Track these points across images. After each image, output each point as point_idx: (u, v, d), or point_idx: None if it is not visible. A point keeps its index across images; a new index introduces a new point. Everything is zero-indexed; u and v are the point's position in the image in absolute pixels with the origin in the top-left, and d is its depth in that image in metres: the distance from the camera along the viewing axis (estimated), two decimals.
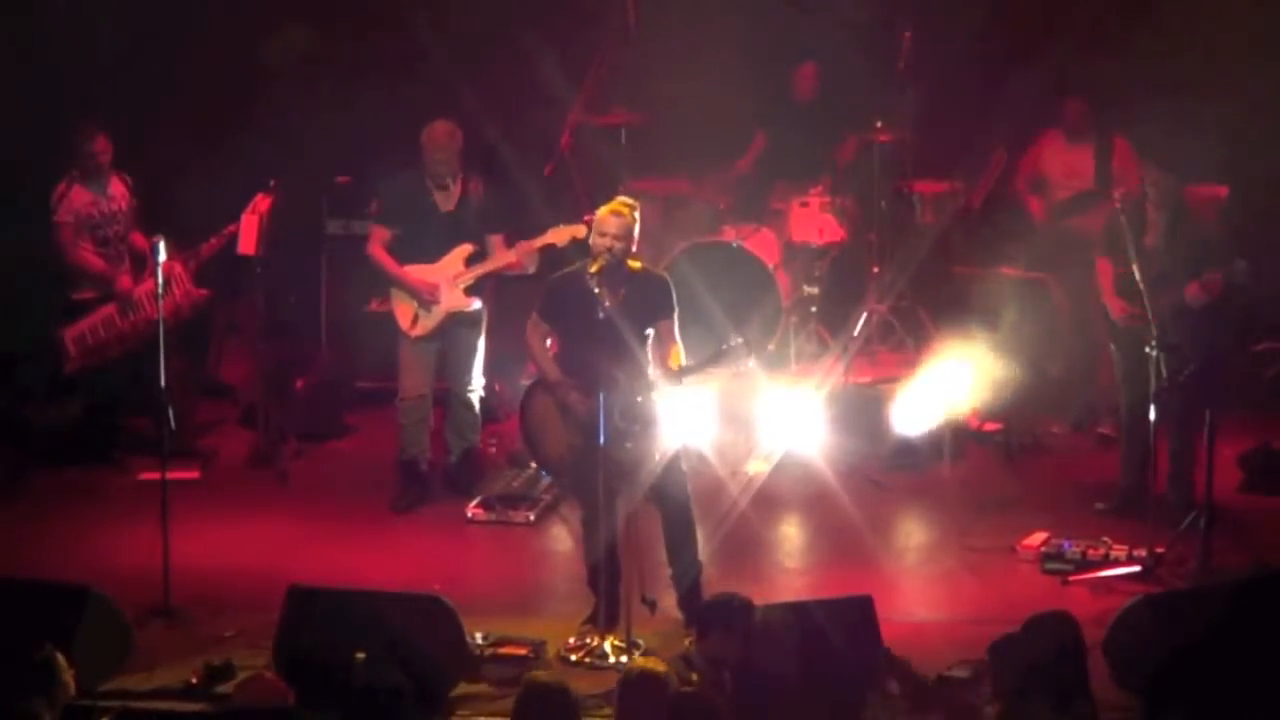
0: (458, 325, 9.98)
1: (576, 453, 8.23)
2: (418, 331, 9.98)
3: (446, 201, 9.93)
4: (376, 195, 10.25)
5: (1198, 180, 10.37)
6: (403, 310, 9.99)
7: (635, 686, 6.56)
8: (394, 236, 9.95)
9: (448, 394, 10.21)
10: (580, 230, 9.61)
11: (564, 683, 6.59)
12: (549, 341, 8.47)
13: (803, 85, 11.96)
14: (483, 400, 10.69)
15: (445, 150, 9.86)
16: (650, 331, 8.26)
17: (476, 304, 9.94)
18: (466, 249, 9.88)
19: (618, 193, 9.82)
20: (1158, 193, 9.30)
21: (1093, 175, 10.72)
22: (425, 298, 9.90)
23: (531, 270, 9.92)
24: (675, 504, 8.35)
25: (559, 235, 9.72)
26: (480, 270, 9.90)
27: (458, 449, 10.23)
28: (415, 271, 9.91)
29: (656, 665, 6.88)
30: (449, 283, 9.88)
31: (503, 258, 9.87)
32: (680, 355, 8.27)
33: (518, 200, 11.15)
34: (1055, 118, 11.26)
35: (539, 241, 9.78)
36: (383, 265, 9.98)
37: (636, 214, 8.23)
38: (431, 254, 9.90)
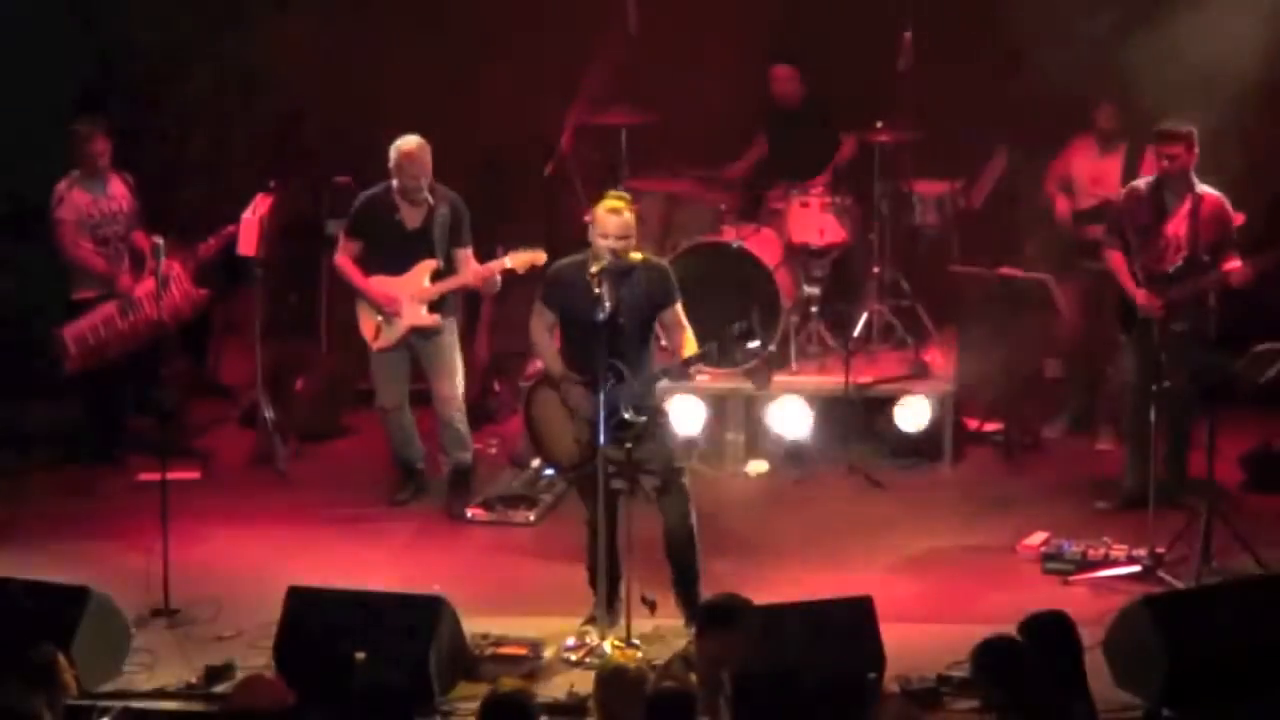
0: (422, 338, 9.94)
1: (585, 449, 8.22)
2: (380, 344, 9.95)
3: (414, 218, 9.84)
4: (341, 206, 10.28)
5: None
6: (366, 322, 9.97)
7: (610, 683, 6.57)
8: (360, 249, 9.94)
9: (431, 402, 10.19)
10: (540, 256, 9.58)
11: (526, 692, 6.57)
12: (553, 332, 8.44)
13: (780, 88, 11.81)
14: (483, 400, 10.70)
15: (417, 166, 9.77)
16: (655, 322, 8.26)
17: (438, 319, 9.91)
18: (431, 265, 9.81)
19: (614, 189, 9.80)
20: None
21: (1119, 184, 10.58)
22: (387, 310, 9.87)
23: (494, 291, 9.91)
24: (676, 504, 8.34)
25: (518, 260, 9.66)
26: (443, 288, 9.83)
27: (446, 466, 10.19)
28: (379, 284, 9.88)
29: (629, 659, 6.88)
30: (411, 299, 9.83)
31: (464, 277, 9.83)
32: (693, 343, 8.23)
33: (514, 201, 11.19)
34: (1084, 120, 11.11)
35: (497, 266, 9.75)
36: (347, 275, 9.98)
37: (633, 207, 8.20)
38: (396, 268, 9.87)
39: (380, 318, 9.90)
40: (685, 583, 8.38)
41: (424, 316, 9.85)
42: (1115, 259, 9.58)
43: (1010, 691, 6.32)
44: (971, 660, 6.52)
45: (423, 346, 9.97)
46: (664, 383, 8.24)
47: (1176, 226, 9.43)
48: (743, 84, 12.00)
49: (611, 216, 8.12)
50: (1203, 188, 9.43)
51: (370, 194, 10.03)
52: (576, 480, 8.55)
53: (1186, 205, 9.41)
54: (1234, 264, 9.33)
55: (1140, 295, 9.43)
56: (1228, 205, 9.46)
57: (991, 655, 6.45)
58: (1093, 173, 10.86)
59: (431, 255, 9.84)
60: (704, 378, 9.41)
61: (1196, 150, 9.38)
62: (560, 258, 8.60)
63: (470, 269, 9.85)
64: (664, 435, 8.28)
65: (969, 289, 11.17)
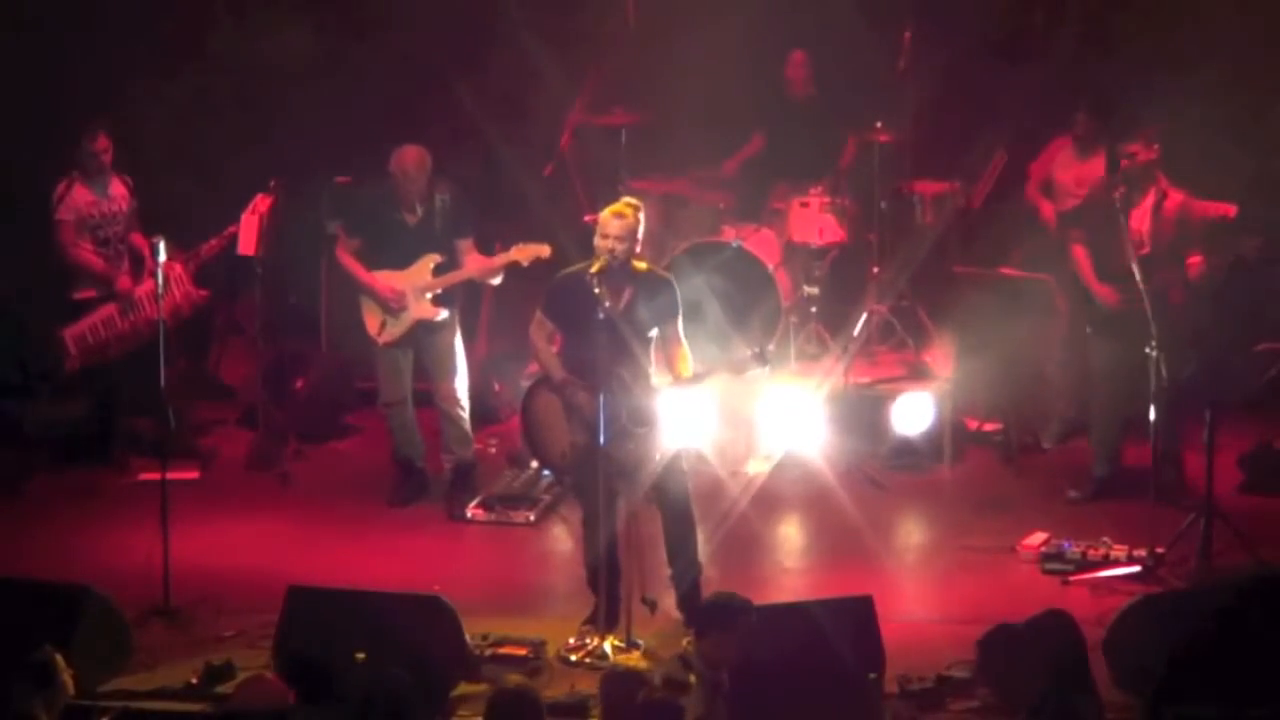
0: (427, 333, 9.96)
1: (579, 451, 8.23)
2: (385, 339, 9.97)
3: (414, 214, 9.88)
4: (341, 204, 10.23)
5: (1206, 197, 10.31)
6: (371, 318, 9.98)
7: (616, 685, 6.58)
8: (361, 245, 9.95)
9: (434, 398, 10.20)
10: (545, 250, 9.60)
11: (532, 688, 6.59)
12: (553, 340, 8.46)
13: (793, 73, 11.88)
14: (483, 400, 10.70)
15: (414, 179, 9.77)
16: (654, 333, 8.27)
17: (444, 313, 9.91)
18: (434, 258, 9.83)
19: (618, 193, 9.84)
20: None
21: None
22: (392, 306, 9.88)
23: (496, 282, 9.92)
24: (675, 504, 8.36)
25: (523, 253, 9.66)
26: (447, 281, 9.85)
27: (449, 462, 10.21)
28: (383, 278, 9.89)
29: (637, 664, 6.89)
30: (416, 292, 9.85)
31: (469, 270, 9.84)
32: (688, 360, 8.27)
33: (514, 201, 11.18)
34: (1065, 122, 11.12)
35: (501, 259, 9.75)
36: (351, 271, 9.99)
37: (641, 215, 8.22)
38: (399, 263, 9.88)
39: (385, 313, 9.91)
40: (685, 582, 8.38)
41: (430, 309, 9.86)
42: (1079, 252, 9.68)
43: (1010, 683, 6.30)
44: (979, 650, 6.48)
45: (427, 343, 9.98)
46: (668, 389, 8.24)
47: (1139, 222, 9.49)
48: (742, 83, 12.00)
49: (614, 219, 8.15)
50: (1168, 185, 9.50)
51: (370, 191, 10.04)
52: (574, 481, 8.56)
53: (1149, 201, 9.47)
54: (1193, 259, 9.42)
55: (1099, 289, 9.49)
56: (1193, 203, 9.54)
57: (995, 646, 6.42)
58: (1076, 175, 10.88)
59: (433, 249, 9.85)
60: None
61: (1157, 147, 9.46)
62: (564, 259, 8.62)
63: (473, 261, 9.87)
64: (662, 436, 8.27)
65: (969, 289, 11.16)
